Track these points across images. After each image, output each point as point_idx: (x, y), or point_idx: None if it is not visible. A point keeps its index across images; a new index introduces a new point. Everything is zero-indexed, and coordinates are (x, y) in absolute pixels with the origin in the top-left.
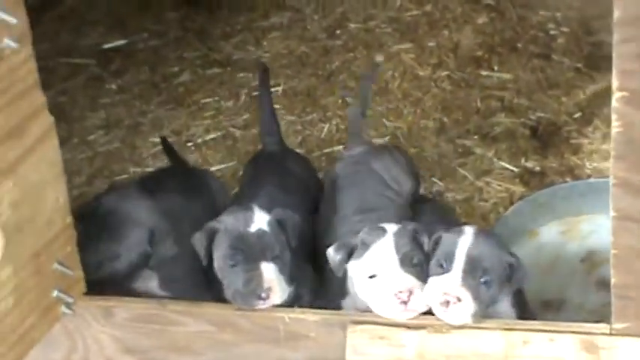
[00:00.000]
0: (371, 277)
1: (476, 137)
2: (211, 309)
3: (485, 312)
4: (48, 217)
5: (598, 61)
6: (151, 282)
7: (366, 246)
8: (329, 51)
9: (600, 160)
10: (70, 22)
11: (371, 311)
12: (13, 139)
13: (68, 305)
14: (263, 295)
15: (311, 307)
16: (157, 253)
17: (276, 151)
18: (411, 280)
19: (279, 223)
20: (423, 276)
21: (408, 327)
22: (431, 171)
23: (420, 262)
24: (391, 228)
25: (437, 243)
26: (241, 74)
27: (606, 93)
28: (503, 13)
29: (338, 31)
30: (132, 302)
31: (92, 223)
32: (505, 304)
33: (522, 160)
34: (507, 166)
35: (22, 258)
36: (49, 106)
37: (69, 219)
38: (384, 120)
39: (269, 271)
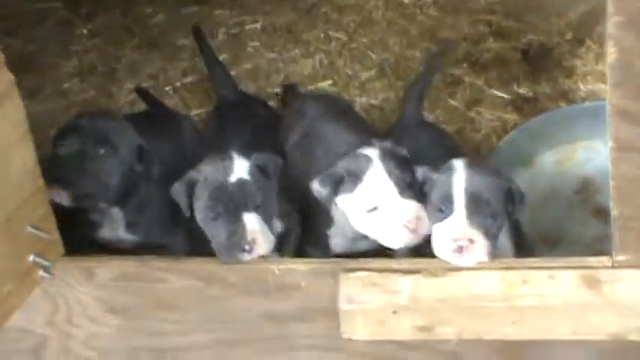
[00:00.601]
0: (371, 210)
1: (465, 65)
2: (197, 264)
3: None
4: (16, 182)
5: None
6: (117, 226)
7: (355, 177)
8: None
9: (594, 81)
10: None
11: (361, 238)
12: None
13: (46, 269)
14: (247, 247)
15: (300, 247)
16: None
17: (236, 99)
18: (414, 206)
19: (260, 169)
20: (417, 194)
21: (403, 272)
22: None
23: (412, 181)
24: (373, 153)
25: (425, 183)
26: (218, 11)
27: (597, 11)
28: None
29: None
30: (113, 261)
31: (78, 135)
32: (502, 237)
33: (514, 87)
34: (498, 93)
35: None
36: (17, 55)
37: (40, 182)
38: (369, 52)
39: (252, 221)
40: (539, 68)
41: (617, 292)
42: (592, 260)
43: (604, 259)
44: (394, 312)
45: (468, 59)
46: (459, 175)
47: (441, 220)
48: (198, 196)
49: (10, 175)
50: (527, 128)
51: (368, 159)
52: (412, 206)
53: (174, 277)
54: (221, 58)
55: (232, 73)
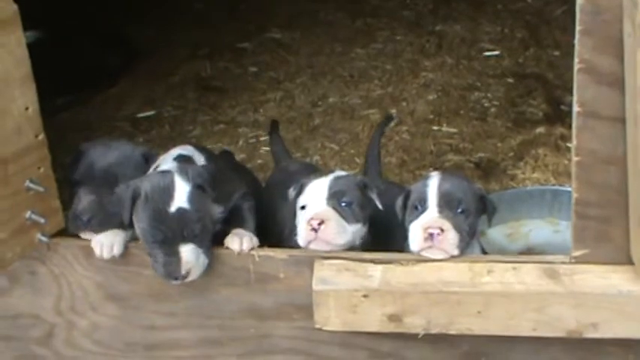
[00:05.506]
0: (302, 207)
1: (431, 169)
2: None
3: (467, 246)
4: (16, 124)
5: (523, 123)
6: None
7: (309, 183)
8: (312, 114)
9: (533, 184)
10: (115, 99)
11: None
12: None
13: (43, 232)
14: (180, 277)
15: None
16: None
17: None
18: (327, 213)
19: (199, 188)
20: (350, 216)
21: (374, 262)
22: None
23: (351, 203)
24: (338, 173)
25: (407, 197)
26: (240, 129)
27: (532, 141)
28: (448, 93)
29: (320, 103)
30: None
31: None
32: (476, 250)
33: None
34: None
35: None
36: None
37: (41, 136)
38: (355, 158)
39: (187, 253)
40: (489, 174)
41: (576, 283)
42: (550, 257)
43: (561, 257)
44: (365, 296)
45: (434, 165)
46: (434, 179)
47: (417, 217)
48: (139, 213)
49: (10, 115)
50: None
51: (328, 173)
52: (324, 210)
53: None
54: (239, 157)
55: (248, 165)
